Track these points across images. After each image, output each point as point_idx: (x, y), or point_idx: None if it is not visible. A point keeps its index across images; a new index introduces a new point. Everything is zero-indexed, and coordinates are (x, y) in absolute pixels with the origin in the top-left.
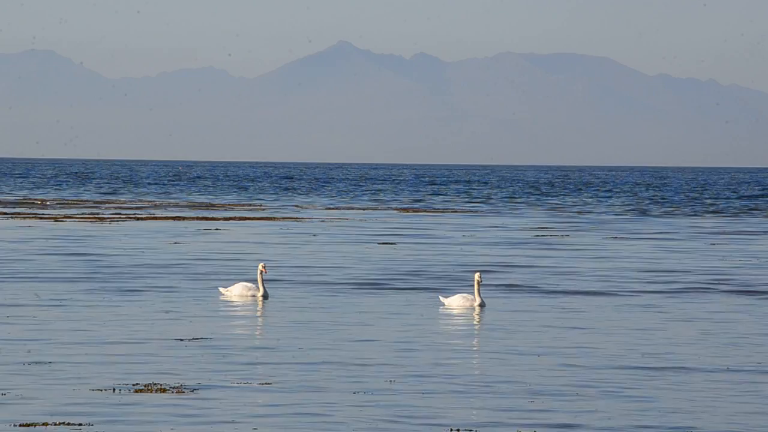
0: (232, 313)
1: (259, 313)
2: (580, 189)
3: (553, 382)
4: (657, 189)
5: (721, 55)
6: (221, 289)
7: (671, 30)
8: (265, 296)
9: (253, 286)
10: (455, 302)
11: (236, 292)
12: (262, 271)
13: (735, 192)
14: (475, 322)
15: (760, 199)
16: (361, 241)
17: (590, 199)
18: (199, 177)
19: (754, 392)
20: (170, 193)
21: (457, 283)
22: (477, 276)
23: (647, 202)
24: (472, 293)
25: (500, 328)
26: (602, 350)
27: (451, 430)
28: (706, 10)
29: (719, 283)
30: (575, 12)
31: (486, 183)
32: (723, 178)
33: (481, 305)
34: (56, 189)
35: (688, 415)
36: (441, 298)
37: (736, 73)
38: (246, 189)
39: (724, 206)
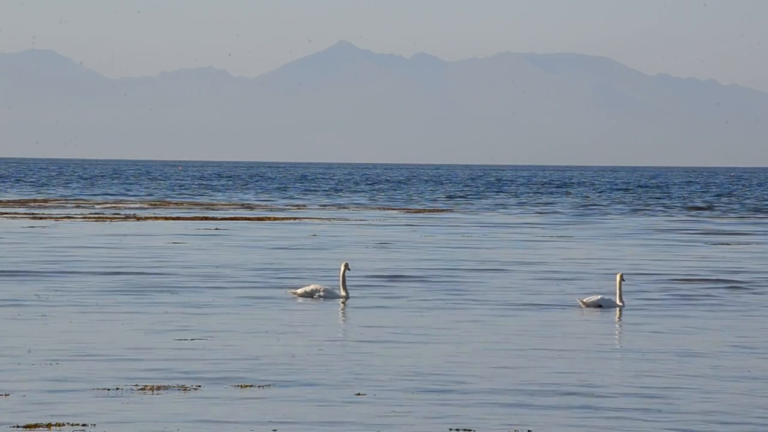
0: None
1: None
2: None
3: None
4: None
5: (721, 55)
6: (291, 291)
7: (671, 30)
8: (346, 297)
9: (329, 287)
10: (596, 303)
11: (314, 294)
12: (345, 271)
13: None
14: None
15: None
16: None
17: None
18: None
19: None
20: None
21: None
22: (618, 276)
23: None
24: (614, 295)
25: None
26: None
27: (451, 430)
28: (706, 10)
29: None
30: (575, 12)
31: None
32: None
33: (622, 307)
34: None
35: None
36: (578, 300)
37: (736, 73)
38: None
39: None
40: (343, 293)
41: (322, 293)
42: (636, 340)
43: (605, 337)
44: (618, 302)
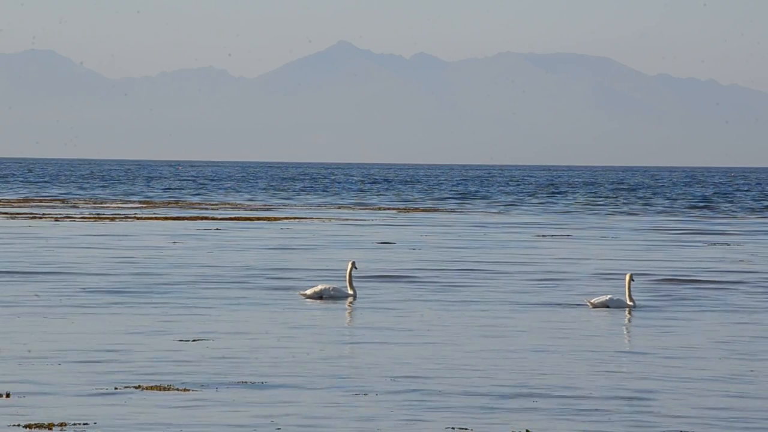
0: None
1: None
2: None
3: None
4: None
5: (721, 55)
6: (300, 293)
7: (671, 30)
8: (354, 296)
9: (337, 287)
10: (603, 304)
11: (324, 295)
12: (352, 270)
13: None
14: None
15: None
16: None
17: None
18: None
19: None
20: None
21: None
22: (628, 277)
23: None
24: (623, 295)
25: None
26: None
27: (447, 428)
28: (706, 10)
29: None
30: (575, 12)
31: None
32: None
33: (632, 307)
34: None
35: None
36: (586, 300)
37: (736, 73)
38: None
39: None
40: (350, 292)
41: (331, 292)
42: (637, 341)
43: (607, 338)
44: (628, 302)
